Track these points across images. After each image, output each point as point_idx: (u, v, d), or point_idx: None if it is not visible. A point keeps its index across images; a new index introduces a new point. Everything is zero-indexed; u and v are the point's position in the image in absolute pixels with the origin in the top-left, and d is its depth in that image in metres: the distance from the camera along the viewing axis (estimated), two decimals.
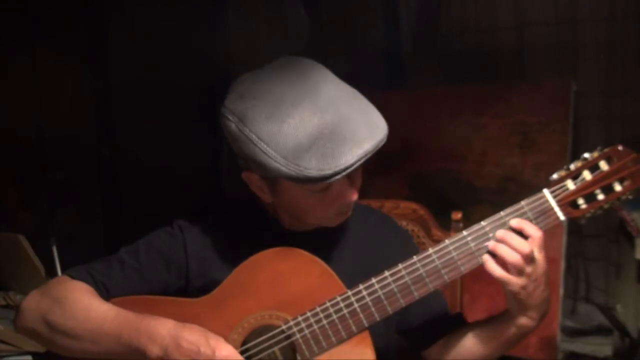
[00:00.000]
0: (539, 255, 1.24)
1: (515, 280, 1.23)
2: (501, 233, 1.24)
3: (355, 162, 1.21)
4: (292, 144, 1.20)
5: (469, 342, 1.38)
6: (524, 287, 1.23)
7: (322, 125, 1.21)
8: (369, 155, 1.22)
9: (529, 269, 1.23)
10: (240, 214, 1.45)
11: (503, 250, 1.23)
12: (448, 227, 1.72)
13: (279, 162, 1.21)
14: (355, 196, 1.32)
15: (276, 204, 1.38)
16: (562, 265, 2.81)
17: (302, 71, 1.28)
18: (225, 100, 1.29)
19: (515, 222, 1.25)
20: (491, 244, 1.25)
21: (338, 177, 1.21)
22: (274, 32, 3.74)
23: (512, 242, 1.23)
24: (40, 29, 3.08)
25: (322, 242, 1.39)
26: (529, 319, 1.29)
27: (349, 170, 1.21)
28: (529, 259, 1.22)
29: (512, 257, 1.22)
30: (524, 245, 1.22)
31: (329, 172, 1.20)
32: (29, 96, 3.11)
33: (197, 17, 3.64)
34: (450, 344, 1.41)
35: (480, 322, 1.40)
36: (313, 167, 1.20)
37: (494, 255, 1.24)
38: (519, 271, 1.23)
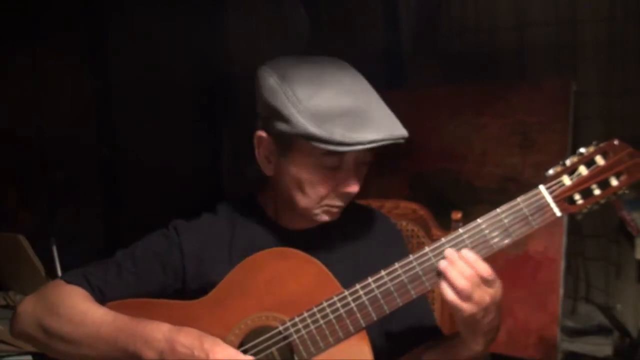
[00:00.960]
0: (492, 283, 1.21)
1: (464, 306, 1.19)
2: (450, 253, 1.22)
3: (378, 141, 1.25)
4: (324, 108, 1.25)
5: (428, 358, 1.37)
6: (472, 314, 1.20)
7: (354, 103, 1.27)
8: (389, 142, 1.27)
9: (477, 296, 1.19)
10: (237, 214, 1.45)
11: (452, 274, 1.20)
12: (448, 227, 1.72)
13: (306, 118, 1.25)
14: (356, 189, 1.33)
15: (275, 180, 1.38)
16: (562, 265, 2.81)
17: (338, 62, 1.36)
18: (264, 64, 1.35)
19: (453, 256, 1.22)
20: (442, 265, 1.22)
21: (359, 147, 1.24)
22: (274, 32, 3.74)
23: (460, 265, 1.20)
24: (40, 29, 3.08)
25: (319, 242, 1.39)
26: (478, 344, 1.27)
27: (370, 146, 1.25)
28: (478, 284, 1.19)
29: (460, 281, 1.19)
30: (468, 271, 1.19)
31: (352, 140, 1.24)
32: (29, 96, 3.11)
33: (197, 17, 3.65)
34: (414, 357, 1.40)
35: (438, 344, 1.38)
36: (338, 132, 1.24)
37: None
38: (467, 297, 1.19)
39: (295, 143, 1.30)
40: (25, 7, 3.02)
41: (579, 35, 3.23)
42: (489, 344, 1.29)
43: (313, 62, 1.34)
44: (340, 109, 1.25)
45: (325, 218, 1.36)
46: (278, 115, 1.28)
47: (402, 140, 1.29)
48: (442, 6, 3.57)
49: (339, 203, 1.35)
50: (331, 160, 1.29)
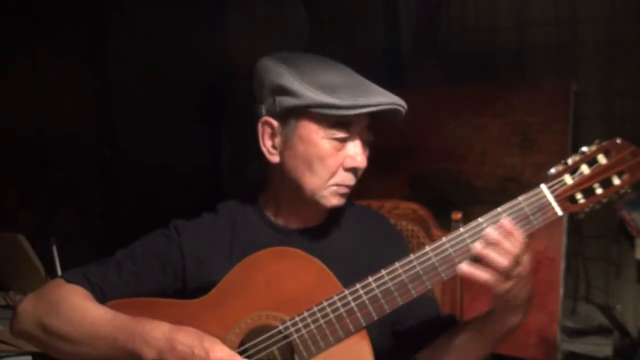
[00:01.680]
0: (524, 256, 1.21)
1: (503, 284, 1.19)
2: (490, 233, 1.20)
3: (383, 104, 1.30)
4: (327, 80, 1.31)
5: (459, 343, 1.36)
6: (511, 290, 1.20)
7: (354, 79, 1.34)
8: (394, 107, 1.31)
9: (517, 271, 1.20)
10: (237, 213, 1.45)
11: (492, 255, 1.19)
12: (448, 227, 1.71)
13: (312, 90, 1.29)
14: (363, 163, 1.35)
15: (281, 166, 1.38)
16: (562, 265, 2.81)
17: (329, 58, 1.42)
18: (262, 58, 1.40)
19: (500, 225, 1.20)
20: (478, 247, 1.20)
21: (367, 109, 1.28)
22: (274, 32, 3.74)
23: (503, 245, 1.19)
24: (40, 29, 3.08)
25: (319, 242, 1.39)
26: (517, 316, 1.28)
27: (377, 108, 1.29)
28: (517, 261, 1.19)
29: (502, 261, 1.18)
30: (513, 248, 1.19)
31: (359, 103, 1.28)
32: (29, 96, 3.11)
33: (197, 17, 3.65)
34: (442, 347, 1.38)
35: (469, 323, 1.38)
36: (346, 97, 1.28)
37: (475, 260, 1.21)
38: (507, 275, 1.19)
39: (303, 118, 1.32)
40: (25, 7, 3.02)
41: (579, 35, 3.23)
42: (526, 313, 1.29)
43: (309, 55, 1.40)
44: (343, 81, 1.31)
45: (333, 201, 1.36)
46: (285, 91, 1.31)
47: (403, 110, 1.33)
48: (442, 6, 3.57)
49: (347, 182, 1.36)
50: (340, 131, 1.32)
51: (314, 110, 1.29)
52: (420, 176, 3.24)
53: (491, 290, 1.22)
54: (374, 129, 1.38)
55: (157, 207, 2.73)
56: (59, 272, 2.17)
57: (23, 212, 3.08)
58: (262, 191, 1.45)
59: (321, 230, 1.40)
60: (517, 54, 3.38)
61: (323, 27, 3.79)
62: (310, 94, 1.29)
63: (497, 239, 1.19)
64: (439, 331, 1.41)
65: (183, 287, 1.39)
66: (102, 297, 1.34)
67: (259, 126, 1.37)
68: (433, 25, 3.61)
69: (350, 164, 1.34)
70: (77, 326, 1.28)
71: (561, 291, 2.81)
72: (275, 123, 1.35)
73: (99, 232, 3.41)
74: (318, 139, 1.32)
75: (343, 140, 1.33)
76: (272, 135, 1.36)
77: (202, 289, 1.34)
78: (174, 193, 3.38)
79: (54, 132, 3.17)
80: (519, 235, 1.20)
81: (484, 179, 3.09)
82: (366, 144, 1.37)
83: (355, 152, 1.34)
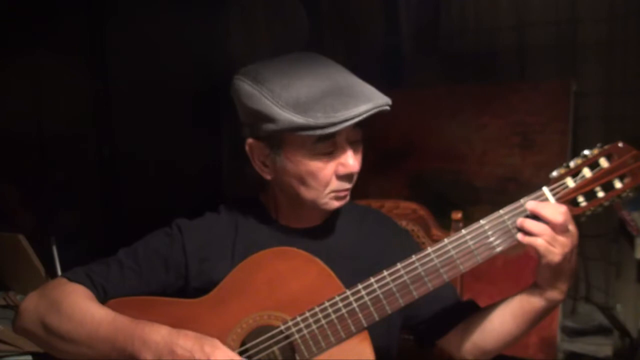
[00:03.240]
0: (571, 227, 1.23)
1: (554, 250, 1.22)
2: (533, 205, 1.23)
3: (362, 114, 1.25)
4: (303, 96, 1.26)
5: (497, 320, 1.37)
6: (559, 258, 1.22)
7: (331, 84, 1.28)
8: (374, 111, 1.27)
9: (563, 239, 1.22)
10: (239, 213, 1.45)
11: (547, 211, 1.22)
12: (448, 227, 1.72)
13: (289, 111, 1.25)
14: (356, 167, 1.34)
15: (276, 182, 1.38)
16: None
17: (313, 55, 1.37)
18: (236, 73, 1.36)
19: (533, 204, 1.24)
20: (531, 205, 1.23)
21: (345, 124, 1.25)
22: (274, 32, 3.74)
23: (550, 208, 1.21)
24: (40, 29, 3.08)
25: (321, 242, 1.39)
26: (559, 292, 1.29)
27: (355, 120, 1.25)
28: (564, 228, 1.21)
29: (557, 217, 1.20)
30: (557, 216, 1.21)
31: (336, 119, 1.24)
32: (29, 96, 3.11)
33: (197, 18, 3.64)
34: (474, 326, 1.40)
35: (505, 300, 1.38)
36: (321, 116, 1.24)
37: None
38: (562, 229, 1.21)
39: (286, 139, 1.30)
40: (26, 7, 3.02)
41: (579, 35, 3.23)
42: (565, 293, 1.30)
43: (284, 58, 1.36)
44: (319, 92, 1.27)
45: (335, 204, 1.36)
46: (262, 116, 1.29)
47: (387, 108, 1.29)
48: (442, 6, 3.57)
49: (343, 187, 1.35)
50: (324, 146, 1.30)
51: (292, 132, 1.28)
52: (420, 176, 3.24)
53: (542, 256, 1.23)
54: (366, 124, 1.34)
55: (157, 207, 2.73)
56: (59, 272, 2.17)
57: (23, 212, 3.08)
58: (264, 191, 1.45)
59: (323, 230, 1.41)
60: (517, 54, 3.38)
61: (323, 28, 3.79)
62: (286, 117, 1.25)
63: (536, 209, 1.23)
64: (461, 315, 1.42)
65: (185, 285, 1.39)
66: (104, 296, 1.34)
67: (247, 147, 1.37)
68: (433, 25, 3.61)
69: (342, 171, 1.33)
70: (77, 326, 1.28)
71: None
72: (260, 144, 1.34)
73: (99, 232, 3.41)
74: (305, 157, 1.31)
75: (330, 153, 1.31)
76: (261, 155, 1.36)
77: (203, 288, 1.34)
78: (174, 193, 3.38)
79: (54, 132, 3.17)
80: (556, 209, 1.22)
81: (484, 179, 3.09)
82: (357, 144, 1.36)
83: (346, 160, 1.32)
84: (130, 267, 1.37)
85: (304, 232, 1.40)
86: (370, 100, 1.27)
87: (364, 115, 1.26)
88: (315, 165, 1.31)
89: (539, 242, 1.22)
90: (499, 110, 3.08)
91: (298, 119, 1.24)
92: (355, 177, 1.36)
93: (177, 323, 1.26)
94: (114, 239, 3.37)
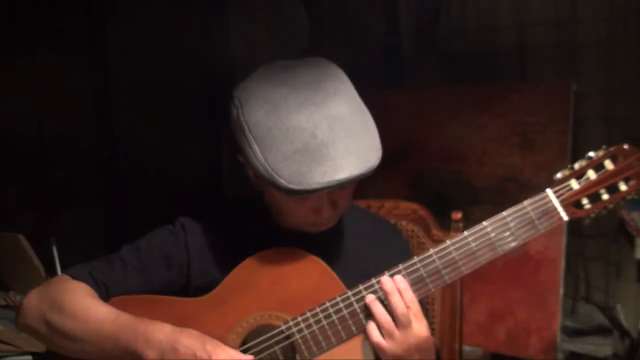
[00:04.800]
0: (415, 324, 1.23)
1: (385, 346, 1.22)
2: (385, 283, 1.23)
3: (323, 188, 1.21)
4: (276, 149, 1.21)
5: None
6: (393, 354, 1.22)
7: (310, 140, 1.20)
8: (341, 185, 1.21)
9: (398, 335, 1.22)
10: (242, 213, 1.45)
11: (377, 309, 1.23)
12: (448, 227, 1.72)
13: (259, 161, 1.23)
14: (331, 213, 1.31)
15: (265, 196, 1.39)
16: (562, 265, 2.81)
17: (319, 78, 1.27)
18: (240, 83, 1.32)
19: (389, 286, 1.23)
20: (369, 299, 1.24)
21: (302, 195, 1.22)
22: (274, 32, 3.74)
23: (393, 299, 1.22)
24: (40, 29, 3.08)
25: (322, 243, 1.39)
26: None
27: (315, 192, 1.21)
28: (402, 323, 1.22)
29: (385, 318, 1.22)
30: (399, 306, 1.22)
31: (296, 187, 1.21)
32: (29, 96, 3.11)
33: (198, 18, 3.64)
34: None
35: None
36: (285, 178, 1.21)
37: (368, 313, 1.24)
38: (389, 334, 1.22)
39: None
40: (26, 7, 3.02)
41: (579, 35, 3.23)
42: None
43: (283, 81, 1.27)
44: (292, 147, 1.20)
45: (314, 230, 1.35)
46: (242, 150, 1.28)
47: (365, 175, 1.23)
48: (442, 6, 3.57)
49: (320, 221, 1.33)
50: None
51: None
52: (420, 176, 3.24)
53: (376, 349, 1.24)
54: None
55: (157, 207, 2.73)
56: (59, 272, 2.17)
57: (23, 212, 3.08)
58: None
59: (326, 231, 1.40)
60: (517, 54, 3.38)
61: (324, 28, 3.79)
62: (257, 166, 1.23)
63: (388, 290, 1.23)
64: None
65: (187, 284, 1.39)
66: (106, 294, 1.35)
67: (240, 159, 1.35)
68: (433, 25, 3.61)
69: (315, 216, 1.30)
70: (79, 323, 1.28)
71: (561, 291, 2.81)
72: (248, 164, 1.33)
73: (99, 232, 3.41)
74: (280, 195, 1.28)
75: (303, 198, 1.28)
76: (249, 173, 1.36)
77: (205, 287, 1.34)
78: (174, 193, 3.38)
79: (54, 132, 3.17)
80: (409, 297, 1.23)
81: (484, 179, 3.09)
82: (341, 195, 1.31)
83: (317, 210, 1.29)
84: (133, 265, 1.37)
85: (305, 233, 1.40)
86: (345, 169, 1.20)
87: (327, 189, 1.21)
88: (289, 203, 1.31)
89: (372, 332, 1.23)
90: (499, 110, 3.08)
91: (264, 174, 1.22)
92: (340, 209, 1.33)
93: (178, 322, 1.26)
94: (114, 239, 3.38)
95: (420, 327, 1.24)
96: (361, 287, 1.27)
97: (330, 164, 1.20)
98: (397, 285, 1.24)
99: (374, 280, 1.27)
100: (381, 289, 1.25)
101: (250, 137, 1.24)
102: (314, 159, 1.20)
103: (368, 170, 1.23)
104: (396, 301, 1.23)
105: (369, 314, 1.25)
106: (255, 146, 1.23)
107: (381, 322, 1.23)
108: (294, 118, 1.21)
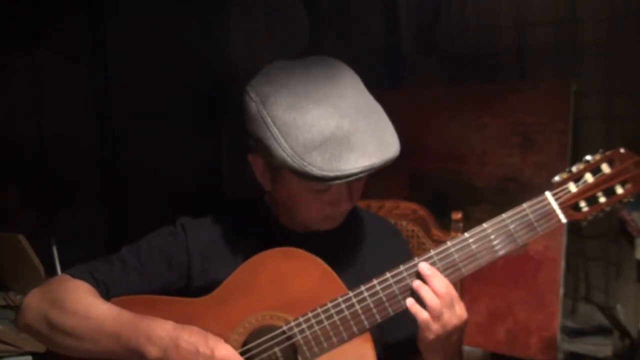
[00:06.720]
0: (457, 305, 1.25)
1: (433, 326, 1.23)
2: (426, 269, 1.26)
3: (359, 173, 1.21)
4: (303, 139, 1.21)
5: None
6: (438, 335, 1.24)
7: (337, 128, 1.22)
8: (373, 170, 1.23)
9: (446, 317, 1.24)
10: (243, 213, 1.45)
11: (425, 292, 1.24)
12: (448, 227, 1.72)
13: (286, 152, 1.22)
14: (348, 206, 1.33)
15: (273, 194, 1.39)
16: (562, 265, 2.82)
17: (332, 73, 1.30)
18: (252, 79, 1.31)
19: (429, 269, 1.26)
20: (416, 283, 1.26)
21: (338, 182, 1.22)
22: (274, 32, 3.74)
23: (435, 283, 1.24)
24: (40, 29, 3.08)
25: (324, 243, 1.39)
26: None
27: (350, 179, 1.22)
28: (448, 305, 1.23)
29: (433, 300, 1.23)
30: (441, 287, 1.24)
31: (330, 174, 1.21)
32: (29, 96, 3.11)
33: (198, 18, 3.64)
34: None
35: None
36: (317, 165, 1.21)
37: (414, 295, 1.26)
38: (436, 317, 1.23)
39: (282, 170, 1.29)
40: (26, 7, 3.02)
41: (579, 35, 3.23)
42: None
43: (299, 75, 1.29)
44: (320, 136, 1.21)
45: (325, 226, 1.37)
46: (262, 145, 1.27)
47: (392, 160, 1.26)
48: (442, 6, 3.57)
49: (335, 216, 1.35)
50: (319, 186, 1.27)
51: None
52: (420, 176, 3.24)
53: (420, 329, 1.25)
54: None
55: (157, 207, 2.73)
56: (59, 272, 2.17)
57: (23, 212, 3.08)
58: (267, 192, 1.45)
59: (327, 232, 1.41)
60: (517, 54, 3.38)
61: (324, 28, 3.79)
62: (283, 157, 1.22)
63: (428, 274, 1.25)
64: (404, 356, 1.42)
65: (187, 284, 1.39)
66: (106, 294, 1.35)
67: (249, 158, 1.36)
68: (433, 25, 3.61)
69: (332, 208, 1.32)
70: (81, 321, 1.28)
71: (561, 291, 2.81)
72: (261, 161, 1.34)
73: (99, 232, 3.41)
74: (299, 189, 1.30)
75: (325, 190, 1.29)
76: (260, 170, 1.36)
77: (206, 288, 1.35)
78: (174, 193, 3.38)
79: (54, 132, 3.17)
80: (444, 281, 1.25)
81: (484, 179, 3.09)
82: (357, 186, 1.33)
83: (338, 201, 1.31)
84: (133, 265, 1.38)
85: (307, 233, 1.40)
86: (374, 154, 1.22)
87: (362, 174, 1.22)
88: (307, 197, 1.31)
89: (423, 316, 1.24)
90: (499, 110, 3.07)
91: (293, 164, 1.22)
92: (356, 201, 1.36)
93: (179, 321, 1.26)
94: (114, 239, 3.38)
95: (461, 309, 1.26)
96: (362, 287, 1.28)
97: (360, 150, 1.22)
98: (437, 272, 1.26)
99: (375, 281, 1.27)
100: (419, 273, 1.26)
101: (275, 129, 1.23)
102: (344, 147, 1.21)
103: (395, 155, 1.26)
104: (438, 282, 1.24)
105: (411, 296, 1.26)
106: (280, 138, 1.23)
107: (429, 303, 1.23)
108: (318, 109, 1.23)
